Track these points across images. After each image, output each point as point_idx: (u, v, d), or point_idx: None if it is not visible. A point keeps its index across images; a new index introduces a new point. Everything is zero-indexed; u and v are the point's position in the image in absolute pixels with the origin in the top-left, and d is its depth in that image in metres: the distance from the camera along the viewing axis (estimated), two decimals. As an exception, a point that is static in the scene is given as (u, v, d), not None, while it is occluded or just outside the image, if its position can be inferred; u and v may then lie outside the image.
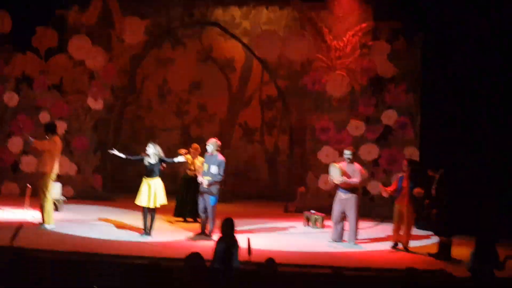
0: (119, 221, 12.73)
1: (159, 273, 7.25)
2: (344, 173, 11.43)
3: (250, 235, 10.97)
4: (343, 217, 11.64)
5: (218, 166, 11.48)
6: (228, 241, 8.19)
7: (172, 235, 11.71)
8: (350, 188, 11.51)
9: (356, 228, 11.65)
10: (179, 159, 11.80)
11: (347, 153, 11.67)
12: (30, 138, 11.67)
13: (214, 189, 11.55)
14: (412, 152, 14.90)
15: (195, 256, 6.76)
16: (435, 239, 11.32)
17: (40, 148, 11.48)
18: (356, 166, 11.69)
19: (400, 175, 11.69)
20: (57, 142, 11.74)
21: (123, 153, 11.67)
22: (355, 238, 11.64)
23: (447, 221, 10.91)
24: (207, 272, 7.27)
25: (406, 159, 12.04)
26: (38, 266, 7.07)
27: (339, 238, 11.70)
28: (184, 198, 13.08)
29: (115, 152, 11.65)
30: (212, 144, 11.56)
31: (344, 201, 11.53)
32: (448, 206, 10.91)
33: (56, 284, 6.95)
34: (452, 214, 10.96)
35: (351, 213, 11.53)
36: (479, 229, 10.34)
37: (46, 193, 11.49)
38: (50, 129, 11.68)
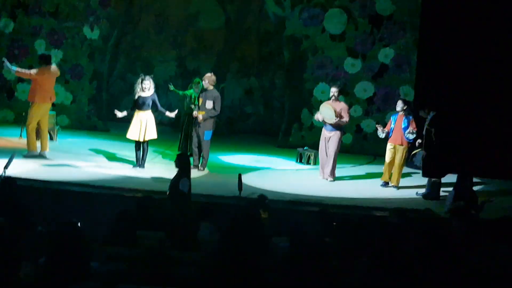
0: (112, 152, 12.85)
1: (149, 205, 7.41)
2: (337, 114, 11.50)
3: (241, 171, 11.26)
4: None
5: (214, 101, 11.52)
6: (180, 174, 8.72)
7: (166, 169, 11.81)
8: (336, 126, 11.60)
9: (334, 164, 11.72)
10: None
11: (334, 90, 11.73)
12: (9, 65, 11.56)
13: (209, 124, 11.63)
14: (408, 92, 14.94)
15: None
16: (425, 179, 11.45)
17: (23, 76, 11.43)
18: (343, 104, 11.76)
19: (393, 114, 11.75)
20: (48, 72, 11.69)
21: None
22: (334, 175, 11.74)
23: (436, 162, 10.99)
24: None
25: (401, 99, 12.09)
26: (26, 195, 7.19)
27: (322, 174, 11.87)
28: (187, 133, 13.08)
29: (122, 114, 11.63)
30: (207, 79, 11.57)
31: (327, 138, 11.64)
32: (437, 147, 10.98)
33: (43, 215, 7.06)
34: (441, 155, 11.03)
35: (332, 149, 11.62)
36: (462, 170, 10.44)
37: (30, 121, 11.56)
38: (44, 59, 11.65)
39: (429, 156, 10.95)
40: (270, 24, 16.37)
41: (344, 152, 14.89)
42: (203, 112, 11.50)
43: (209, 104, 11.48)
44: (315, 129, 15.00)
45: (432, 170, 11.00)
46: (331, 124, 11.62)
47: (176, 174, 8.77)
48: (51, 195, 9.00)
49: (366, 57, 15.25)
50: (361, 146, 15.23)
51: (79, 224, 5.07)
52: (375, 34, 15.19)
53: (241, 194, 8.62)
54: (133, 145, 11.56)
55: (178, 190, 8.42)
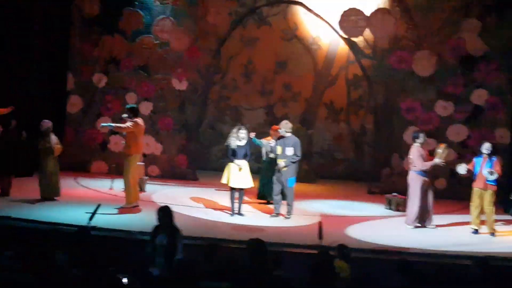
0: (208, 200, 12.93)
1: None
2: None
3: (324, 218, 11.00)
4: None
5: (294, 147, 11.41)
6: (168, 232, 7.49)
7: (255, 217, 11.74)
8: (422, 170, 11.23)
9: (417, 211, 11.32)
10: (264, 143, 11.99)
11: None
12: (106, 125, 11.86)
13: (291, 170, 11.49)
14: (503, 134, 14.32)
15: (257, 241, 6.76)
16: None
17: (122, 131, 11.70)
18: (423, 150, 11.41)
19: (477, 156, 11.20)
20: (140, 123, 11.99)
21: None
22: (412, 222, 11.34)
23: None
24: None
25: (488, 142, 11.49)
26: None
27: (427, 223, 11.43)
28: (267, 181, 13.02)
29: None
30: (283, 127, 11.51)
31: (427, 183, 11.26)
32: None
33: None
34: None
35: (412, 193, 11.26)
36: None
37: (129, 175, 11.77)
38: (133, 111, 11.92)
39: None
40: (358, 68, 16.14)
41: (438, 198, 14.43)
42: (285, 160, 11.39)
43: (289, 151, 11.37)
44: (406, 174, 14.53)
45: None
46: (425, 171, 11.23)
47: (155, 227, 7.70)
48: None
49: (458, 99, 14.74)
50: (455, 191, 14.58)
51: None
52: (467, 75, 14.69)
53: (322, 242, 8.35)
54: (223, 193, 11.62)
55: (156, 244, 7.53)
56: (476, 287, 5.52)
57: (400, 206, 12.84)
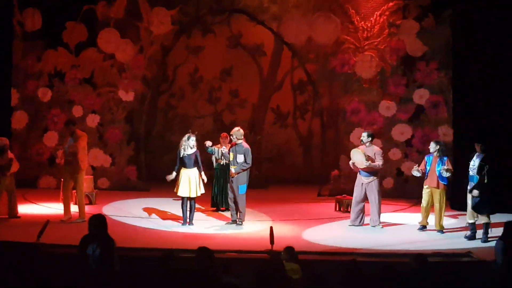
0: (160, 210, 12.96)
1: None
2: (368, 157, 11.34)
3: (276, 223, 11.13)
4: (364, 201, 11.57)
5: (244, 154, 11.51)
6: (101, 243, 7.10)
7: (209, 225, 11.82)
8: (371, 171, 11.43)
9: (379, 211, 11.55)
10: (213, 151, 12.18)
11: (364, 135, 11.58)
12: (65, 147, 11.78)
13: (242, 177, 11.59)
14: (446, 131, 14.72)
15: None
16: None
17: (79, 148, 11.65)
18: (376, 148, 11.60)
19: (428, 155, 11.49)
20: (86, 136, 11.98)
21: (174, 169, 11.69)
22: (379, 222, 11.56)
23: (487, 199, 10.48)
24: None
25: (433, 140, 11.81)
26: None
27: (359, 222, 11.65)
28: (219, 189, 13.09)
29: (172, 176, 11.68)
30: (235, 134, 11.60)
31: (366, 184, 11.48)
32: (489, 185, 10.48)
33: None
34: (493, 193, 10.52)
35: (373, 196, 11.46)
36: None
37: (83, 189, 11.79)
38: (73, 124, 11.90)
39: (481, 193, 10.47)
40: (303, 73, 16.35)
41: (385, 197, 14.73)
42: (235, 167, 11.50)
43: (240, 158, 11.48)
44: (354, 176, 14.79)
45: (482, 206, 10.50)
46: (365, 170, 11.45)
47: (85, 237, 7.35)
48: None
49: (401, 99, 15.11)
50: (402, 190, 14.94)
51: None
52: (408, 75, 15.07)
53: (273, 247, 8.47)
54: (174, 203, 11.63)
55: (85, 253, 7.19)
56: (416, 285, 5.70)
57: (350, 207, 13.06)
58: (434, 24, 14.84)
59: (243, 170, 11.58)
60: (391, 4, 15.07)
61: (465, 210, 10.94)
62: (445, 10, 14.61)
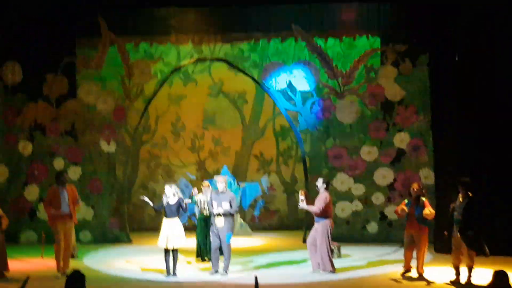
0: (143, 262, 12.80)
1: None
2: (308, 201, 11.38)
3: (261, 271, 11.04)
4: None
5: (230, 201, 11.42)
6: None
7: (194, 275, 11.67)
8: (322, 215, 11.39)
9: (328, 255, 11.44)
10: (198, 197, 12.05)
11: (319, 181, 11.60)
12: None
13: (228, 226, 11.48)
14: (427, 174, 14.79)
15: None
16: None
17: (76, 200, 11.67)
18: (322, 195, 11.57)
19: (410, 199, 11.47)
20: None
21: (152, 201, 11.69)
22: (330, 267, 11.43)
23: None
24: None
25: (416, 183, 11.79)
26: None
27: (317, 266, 11.54)
28: (203, 239, 12.98)
29: (146, 199, 11.69)
30: (220, 183, 11.54)
31: (315, 228, 11.48)
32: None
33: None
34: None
35: (319, 241, 11.38)
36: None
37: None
38: (63, 177, 11.82)
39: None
40: (285, 119, 16.45)
41: (371, 241, 14.71)
42: (221, 216, 11.39)
43: (226, 205, 11.39)
44: (338, 220, 14.79)
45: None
46: (316, 215, 11.46)
47: None
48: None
49: (382, 143, 15.21)
50: (387, 234, 14.93)
51: None
52: (388, 119, 15.21)
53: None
54: (157, 254, 11.50)
55: None
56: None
57: (334, 253, 12.96)
58: (411, 69, 15.05)
59: (231, 215, 11.46)
60: (369, 50, 15.32)
61: (448, 252, 10.90)
62: (422, 54, 14.84)
